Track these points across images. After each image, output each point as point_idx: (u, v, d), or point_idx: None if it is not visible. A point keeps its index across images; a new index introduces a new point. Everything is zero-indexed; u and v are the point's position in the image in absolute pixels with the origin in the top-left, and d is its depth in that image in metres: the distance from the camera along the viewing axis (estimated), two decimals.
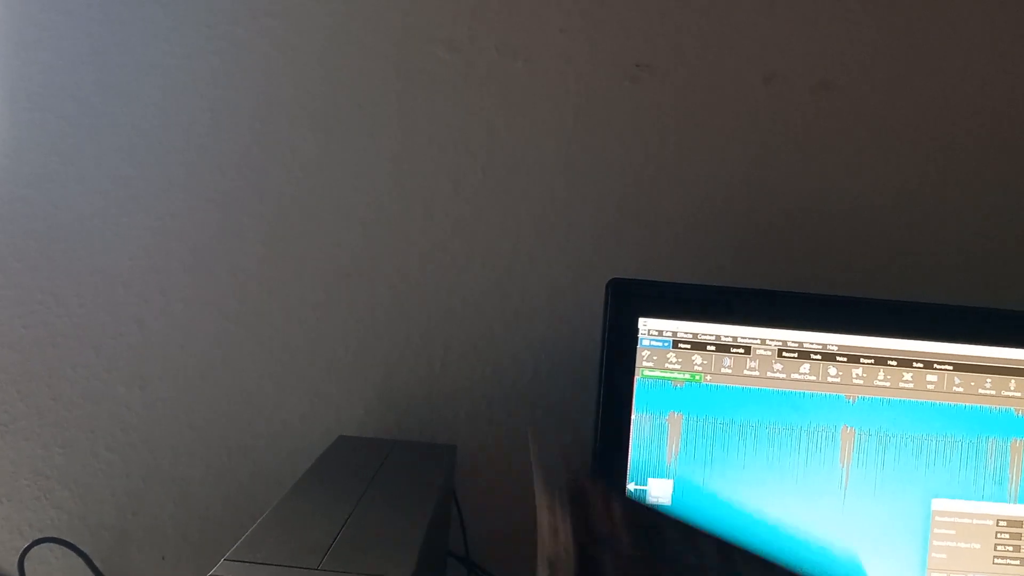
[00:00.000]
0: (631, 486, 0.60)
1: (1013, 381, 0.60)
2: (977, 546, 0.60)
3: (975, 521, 0.60)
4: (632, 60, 0.80)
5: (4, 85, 0.79)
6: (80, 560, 0.78)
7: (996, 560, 0.60)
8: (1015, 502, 0.60)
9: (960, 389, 0.60)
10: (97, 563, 0.78)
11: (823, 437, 0.60)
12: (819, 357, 0.60)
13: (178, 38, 0.79)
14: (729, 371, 0.60)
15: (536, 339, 0.79)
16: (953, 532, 0.60)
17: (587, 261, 0.80)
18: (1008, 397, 0.60)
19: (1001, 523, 0.60)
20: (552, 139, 0.80)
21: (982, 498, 0.60)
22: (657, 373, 0.60)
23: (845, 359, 0.60)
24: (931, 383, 0.60)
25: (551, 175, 0.80)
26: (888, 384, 0.60)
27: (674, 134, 0.80)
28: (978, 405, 0.60)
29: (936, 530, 0.60)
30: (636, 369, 0.60)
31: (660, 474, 0.60)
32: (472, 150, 0.80)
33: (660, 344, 0.60)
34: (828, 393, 0.60)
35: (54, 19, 0.79)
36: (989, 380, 0.60)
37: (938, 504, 0.60)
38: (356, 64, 0.80)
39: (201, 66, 0.79)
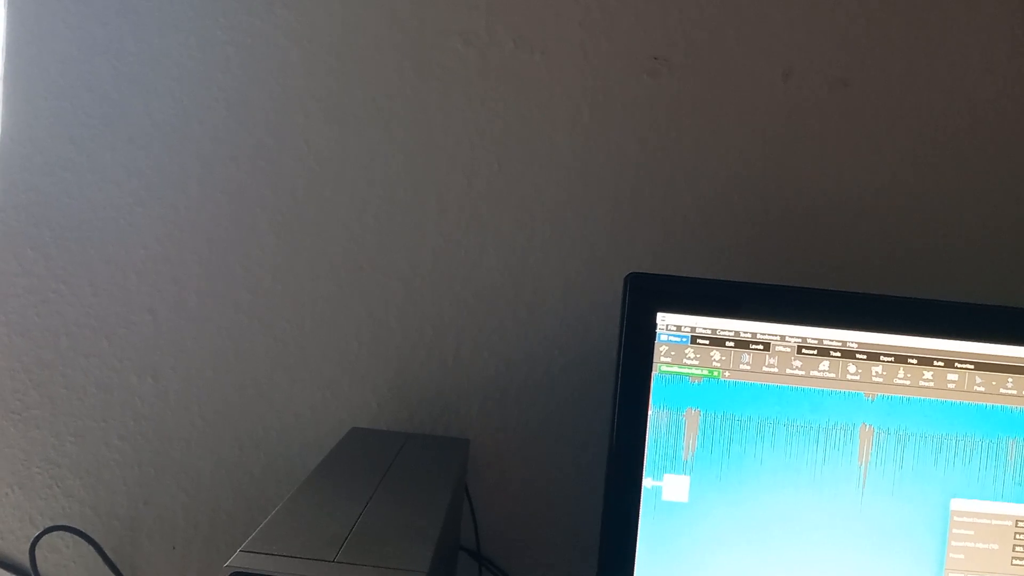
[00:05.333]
0: (647, 482, 0.59)
1: None
2: (995, 547, 0.59)
3: (994, 522, 0.59)
4: (650, 53, 0.79)
5: (20, 75, 0.79)
6: (91, 549, 0.78)
7: (1015, 561, 0.59)
8: None
9: (981, 388, 0.59)
10: (108, 552, 0.78)
11: (842, 435, 0.59)
12: (839, 354, 0.60)
13: (194, 29, 0.79)
14: (748, 367, 0.60)
15: (549, 333, 0.79)
16: (971, 532, 0.59)
17: (601, 255, 0.79)
18: None
19: (1020, 524, 0.59)
20: (568, 132, 0.79)
21: (1001, 499, 0.59)
22: (675, 369, 0.60)
23: (865, 356, 0.60)
24: (952, 382, 0.59)
25: (566, 169, 0.79)
26: (908, 382, 0.59)
27: (691, 128, 0.79)
28: (999, 405, 0.59)
29: (954, 530, 0.59)
30: (653, 364, 0.59)
31: (677, 470, 0.59)
32: (487, 143, 0.79)
33: (678, 339, 0.60)
34: (847, 391, 0.60)
35: (70, 8, 0.79)
36: (1011, 379, 0.59)
37: (957, 504, 0.59)
38: (371, 56, 0.79)
39: (216, 57, 0.79)
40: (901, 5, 0.79)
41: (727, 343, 0.60)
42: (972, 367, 0.59)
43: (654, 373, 0.60)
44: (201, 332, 0.80)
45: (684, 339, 0.60)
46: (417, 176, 0.80)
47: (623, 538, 0.59)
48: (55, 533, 0.78)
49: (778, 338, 0.60)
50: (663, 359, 0.60)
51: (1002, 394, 0.59)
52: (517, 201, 0.79)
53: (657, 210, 0.79)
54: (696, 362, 0.60)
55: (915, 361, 0.60)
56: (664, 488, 0.59)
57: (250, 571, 0.43)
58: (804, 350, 0.60)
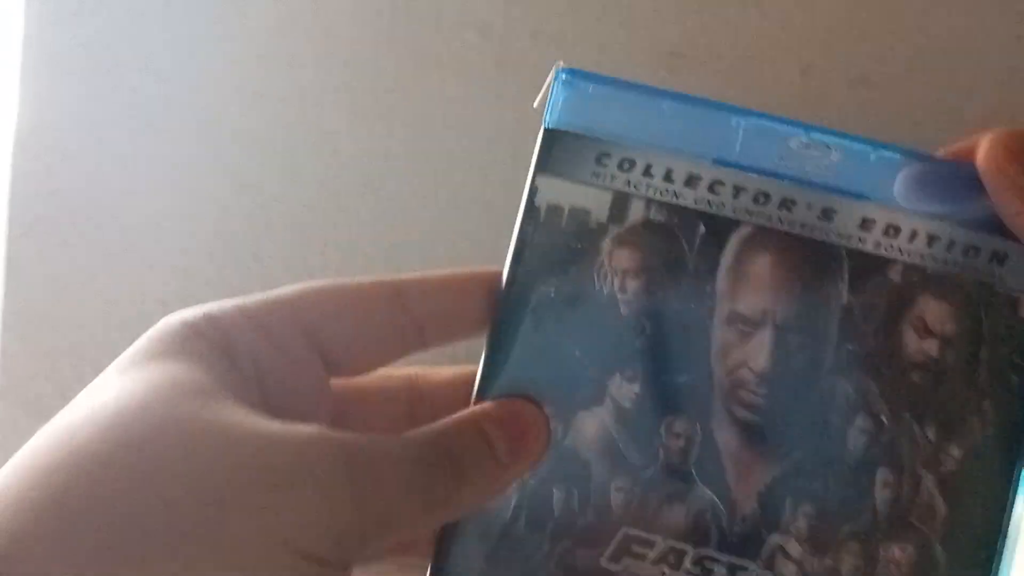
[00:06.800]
0: None
1: None
2: None
3: None
4: (667, 48, 0.79)
5: (39, 59, 0.79)
6: None
7: None
8: None
9: None
10: None
11: None
12: None
13: (211, 19, 0.79)
14: None
15: None
16: None
17: None
18: None
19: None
20: None
21: None
22: None
23: None
24: None
25: None
26: None
27: None
28: None
29: None
30: None
31: None
32: (503, 139, 0.79)
33: None
34: None
35: None
36: None
37: None
38: (386, 48, 0.79)
39: (233, 47, 0.79)
40: (924, 2, 0.79)
41: None
42: None
43: None
44: None
45: None
46: (433, 170, 0.79)
47: None
48: None
49: None
50: None
51: None
52: None
53: None
54: None
55: None
56: None
57: None
58: None
